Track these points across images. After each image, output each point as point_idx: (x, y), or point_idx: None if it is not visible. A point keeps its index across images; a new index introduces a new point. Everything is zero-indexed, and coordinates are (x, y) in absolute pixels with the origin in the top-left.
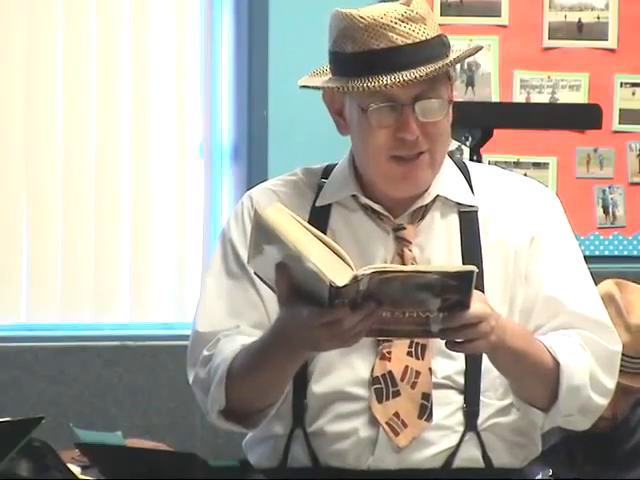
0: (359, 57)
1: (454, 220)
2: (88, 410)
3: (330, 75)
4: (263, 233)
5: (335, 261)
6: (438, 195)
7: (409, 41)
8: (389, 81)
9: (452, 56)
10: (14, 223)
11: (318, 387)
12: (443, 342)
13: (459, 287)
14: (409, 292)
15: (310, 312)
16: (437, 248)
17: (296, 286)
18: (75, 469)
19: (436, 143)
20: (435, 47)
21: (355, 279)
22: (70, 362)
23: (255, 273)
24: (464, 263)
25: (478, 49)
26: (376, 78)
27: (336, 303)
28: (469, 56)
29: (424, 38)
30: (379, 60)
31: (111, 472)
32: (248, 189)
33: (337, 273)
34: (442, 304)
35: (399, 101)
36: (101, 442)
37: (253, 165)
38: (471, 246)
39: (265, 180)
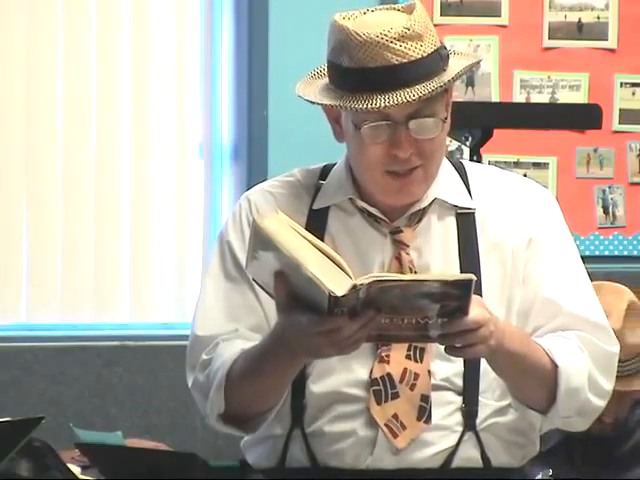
0: (354, 73)
1: (451, 222)
2: (88, 410)
3: (327, 80)
4: (261, 242)
5: (334, 270)
6: (435, 198)
7: (405, 60)
8: (382, 102)
9: (451, 67)
10: (14, 223)
11: (317, 387)
12: (442, 346)
13: (458, 295)
14: (408, 300)
15: (309, 320)
16: (434, 251)
17: (295, 294)
18: (75, 469)
19: (429, 159)
20: (431, 63)
21: (354, 288)
22: (70, 362)
23: (253, 279)
24: (461, 265)
25: (475, 64)
26: (370, 97)
27: (335, 312)
28: (465, 73)
29: (420, 56)
30: (374, 79)
31: (111, 472)
32: (248, 189)
33: (336, 282)
34: (441, 310)
35: (393, 119)
36: (101, 442)
37: (253, 165)
38: (468, 248)
39: (265, 180)
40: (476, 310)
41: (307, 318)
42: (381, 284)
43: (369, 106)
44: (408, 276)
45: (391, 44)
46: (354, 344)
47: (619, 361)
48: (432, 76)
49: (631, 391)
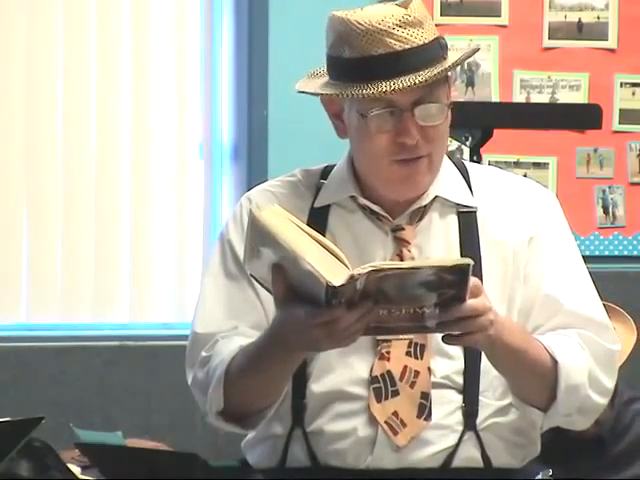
0: (357, 63)
1: (453, 220)
2: (88, 410)
3: (327, 77)
4: (259, 235)
5: (331, 261)
6: (437, 196)
7: (407, 46)
8: (388, 87)
9: (450, 58)
10: (14, 223)
11: (317, 387)
12: (442, 342)
13: (455, 281)
14: (406, 289)
15: (307, 312)
16: (436, 249)
17: (292, 287)
18: (75, 469)
19: (435, 147)
20: (433, 50)
21: (352, 278)
22: (70, 362)
23: (251, 275)
24: None
25: (475, 51)
26: (375, 84)
27: (333, 303)
28: (467, 58)
29: (422, 42)
30: (377, 66)
31: (111, 472)
32: (248, 189)
33: (333, 273)
34: (438, 299)
35: (398, 106)
36: (101, 442)
37: (253, 165)
38: (470, 246)
39: (265, 180)
40: (476, 298)
41: (305, 310)
42: (379, 273)
43: (375, 91)
44: (406, 263)
45: (393, 30)
46: (352, 336)
47: None
48: (434, 63)
49: None
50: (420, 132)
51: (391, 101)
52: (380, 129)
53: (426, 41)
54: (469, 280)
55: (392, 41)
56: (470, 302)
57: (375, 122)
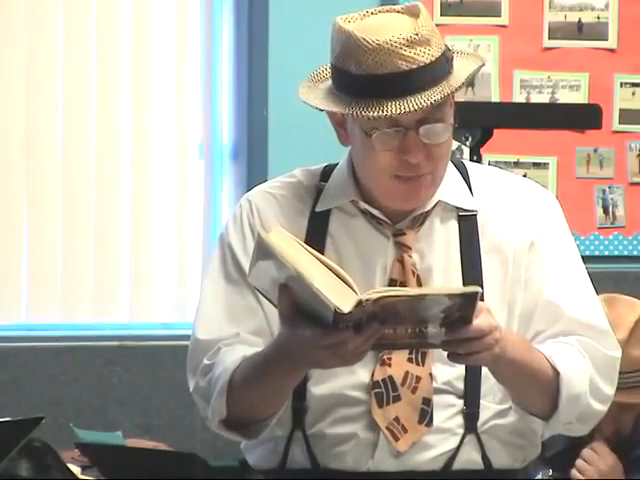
0: (363, 80)
1: (453, 225)
2: (88, 410)
3: (330, 81)
4: (265, 256)
5: (339, 285)
6: (439, 200)
7: (414, 66)
8: (393, 110)
9: (456, 70)
10: (14, 223)
11: (318, 390)
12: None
13: (462, 305)
14: (413, 312)
15: (314, 333)
16: (437, 254)
17: (299, 305)
18: (75, 469)
19: (438, 164)
20: (439, 67)
21: (360, 304)
22: (70, 362)
23: (255, 287)
24: (463, 269)
25: (481, 67)
26: (380, 104)
27: (340, 326)
28: (473, 76)
29: (429, 61)
30: (383, 85)
31: (111, 472)
32: (248, 189)
33: (342, 298)
34: (444, 320)
35: (403, 126)
36: (101, 442)
37: (253, 165)
38: (470, 251)
39: (265, 180)
40: (481, 318)
41: (312, 332)
42: (387, 299)
43: (381, 114)
44: (413, 290)
45: (400, 50)
46: (358, 356)
47: (621, 372)
48: (440, 80)
49: (633, 403)
50: (424, 150)
51: (395, 121)
52: (384, 147)
53: (433, 59)
54: (476, 305)
55: (399, 61)
56: (476, 323)
57: (379, 141)
